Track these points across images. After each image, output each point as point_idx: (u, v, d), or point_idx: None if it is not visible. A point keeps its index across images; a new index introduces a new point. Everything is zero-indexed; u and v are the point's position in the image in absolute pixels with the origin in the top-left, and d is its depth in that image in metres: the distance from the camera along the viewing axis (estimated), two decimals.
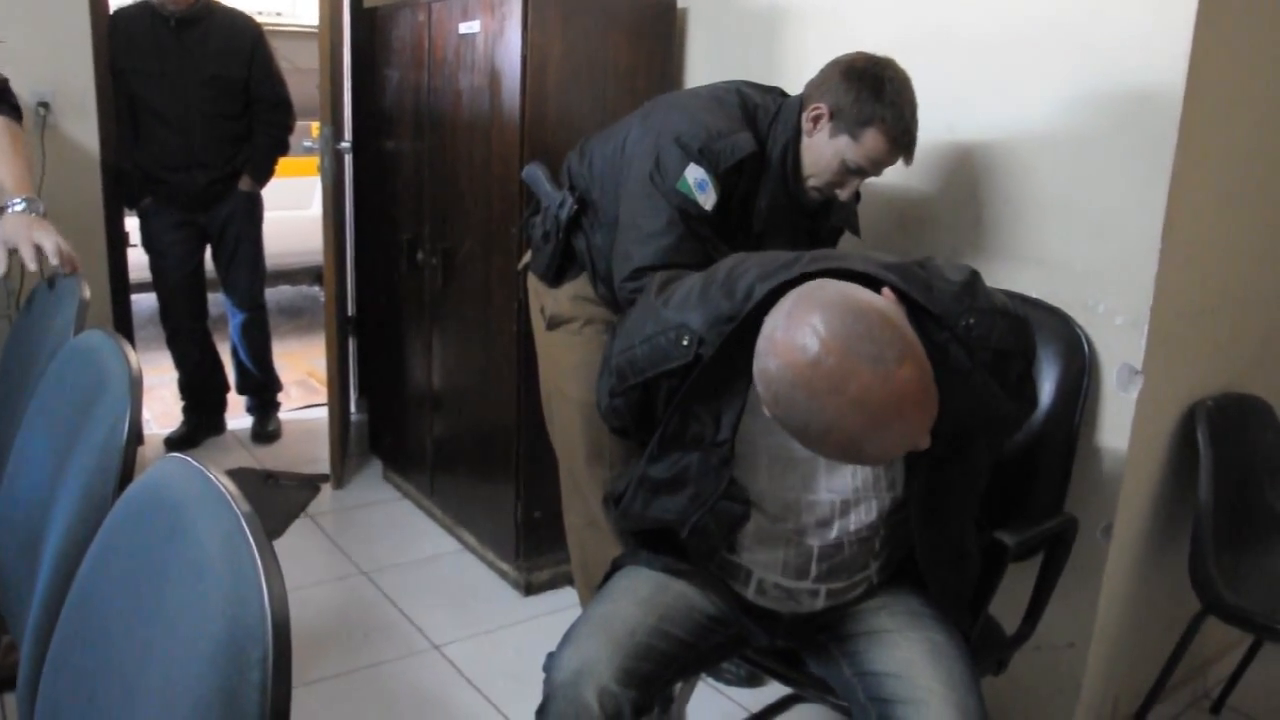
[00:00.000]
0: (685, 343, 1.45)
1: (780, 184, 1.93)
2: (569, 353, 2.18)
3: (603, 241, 2.05)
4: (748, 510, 1.51)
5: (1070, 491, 1.89)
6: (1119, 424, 1.92)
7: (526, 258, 2.28)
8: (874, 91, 1.79)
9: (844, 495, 1.52)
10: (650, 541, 1.66)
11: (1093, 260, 1.92)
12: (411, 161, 3.10)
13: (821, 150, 1.87)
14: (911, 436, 1.24)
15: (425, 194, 3.02)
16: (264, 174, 3.70)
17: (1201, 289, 1.98)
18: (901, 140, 1.82)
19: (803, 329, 1.21)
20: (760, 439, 1.50)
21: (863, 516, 1.53)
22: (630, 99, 2.63)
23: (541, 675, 1.49)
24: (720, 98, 1.96)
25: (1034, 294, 2.00)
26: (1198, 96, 1.78)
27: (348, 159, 3.60)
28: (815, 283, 1.30)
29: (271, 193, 3.83)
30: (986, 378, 1.40)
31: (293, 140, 3.79)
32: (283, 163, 3.77)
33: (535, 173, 2.19)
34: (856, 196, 2.05)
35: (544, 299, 2.21)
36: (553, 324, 2.19)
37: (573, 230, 2.10)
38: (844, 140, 1.83)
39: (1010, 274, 2.04)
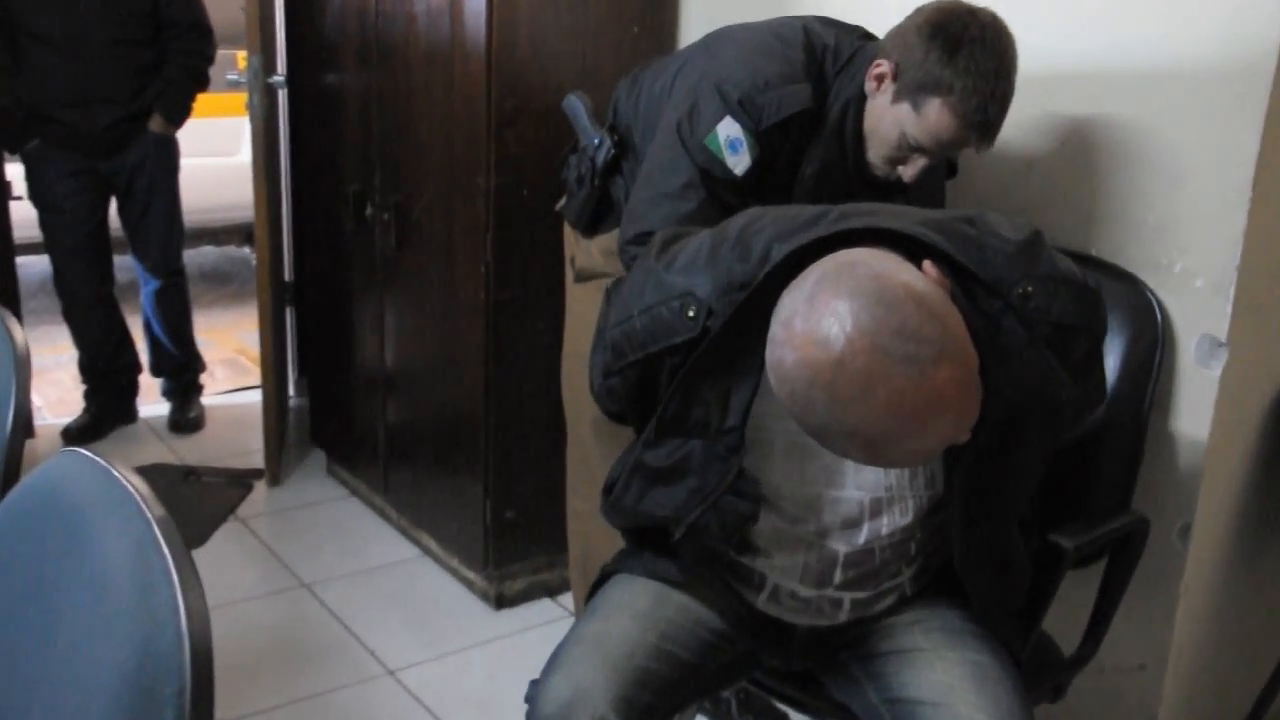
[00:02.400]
0: (691, 314, 1.44)
1: (836, 149, 1.88)
2: (595, 311, 2.19)
3: None
4: (756, 509, 1.50)
5: (1139, 486, 1.89)
6: (1198, 406, 1.91)
7: (563, 201, 2.31)
8: (947, 53, 1.68)
9: (875, 493, 1.52)
10: (648, 542, 1.66)
11: (1168, 212, 1.91)
12: (358, 99, 3.08)
13: (882, 115, 1.80)
14: (947, 439, 1.24)
15: (374, 137, 3.01)
16: (179, 112, 3.67)
17: None
18: (973, 119, 1.71)
19: (826, 320, 1.19)
20: (774, 423, 1.49)
21: (897, 519, 1.53)
22: (617, 23, 2.61)
23: (516, 704, 1.49)
24: (783, 36, 1.90)
25: (1096, 252, 1.99)
26: None
27: (281, 95, 3.57)
28: (844, 256, 1.28)
29: (189, 136, 3.81)
30: (1046, 355, 1.40)
31: (214, 73, 3.76)
32: (202, 100, 3.75)
33: (575, 104, 2.19)
34: (952, 170, 2.02)
35: (575, 248, 2.25)
36: (581, 277, 2.23)
37: (610, 175, 2.11)
38: (905, 109, 1.75)
39: (1068, 228, 2.03)
